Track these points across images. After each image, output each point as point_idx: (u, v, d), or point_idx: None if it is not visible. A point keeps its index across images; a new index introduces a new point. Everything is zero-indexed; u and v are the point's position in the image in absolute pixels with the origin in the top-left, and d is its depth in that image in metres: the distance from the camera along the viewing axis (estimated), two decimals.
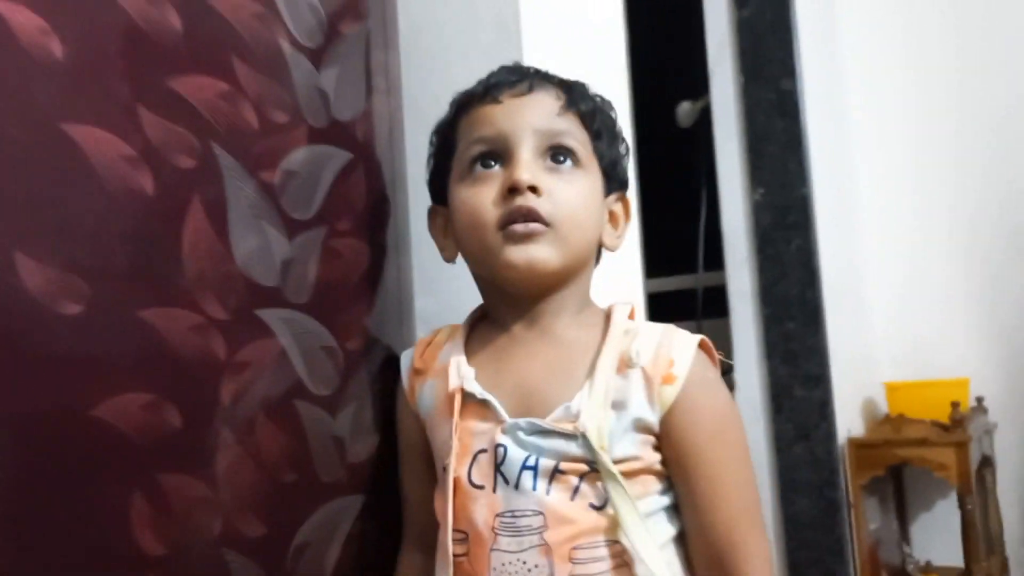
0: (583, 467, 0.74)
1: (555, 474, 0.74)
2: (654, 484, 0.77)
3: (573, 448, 0.75)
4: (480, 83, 0.84)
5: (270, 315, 0.78)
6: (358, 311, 0.88)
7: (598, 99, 0.86)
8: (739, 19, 1.92)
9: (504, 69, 0.85)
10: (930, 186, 2.10)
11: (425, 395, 0.84)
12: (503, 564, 0.74)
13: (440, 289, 1.01)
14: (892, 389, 1.97)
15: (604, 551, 0.74)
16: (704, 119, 1.98)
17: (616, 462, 0.74)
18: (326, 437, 0.82)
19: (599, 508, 0.74)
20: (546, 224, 0.76)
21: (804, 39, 1.88)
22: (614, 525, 0.74)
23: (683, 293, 2.13)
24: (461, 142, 0.82)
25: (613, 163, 0.85)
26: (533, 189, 0.76)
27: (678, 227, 2.11)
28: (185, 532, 0.69)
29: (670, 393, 0.75)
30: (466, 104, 0.84)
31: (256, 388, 0.76)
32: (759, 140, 1.90)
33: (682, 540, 0.78)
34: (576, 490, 0.74)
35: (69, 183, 0.63)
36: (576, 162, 0.80)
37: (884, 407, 1.99)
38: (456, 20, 1.11)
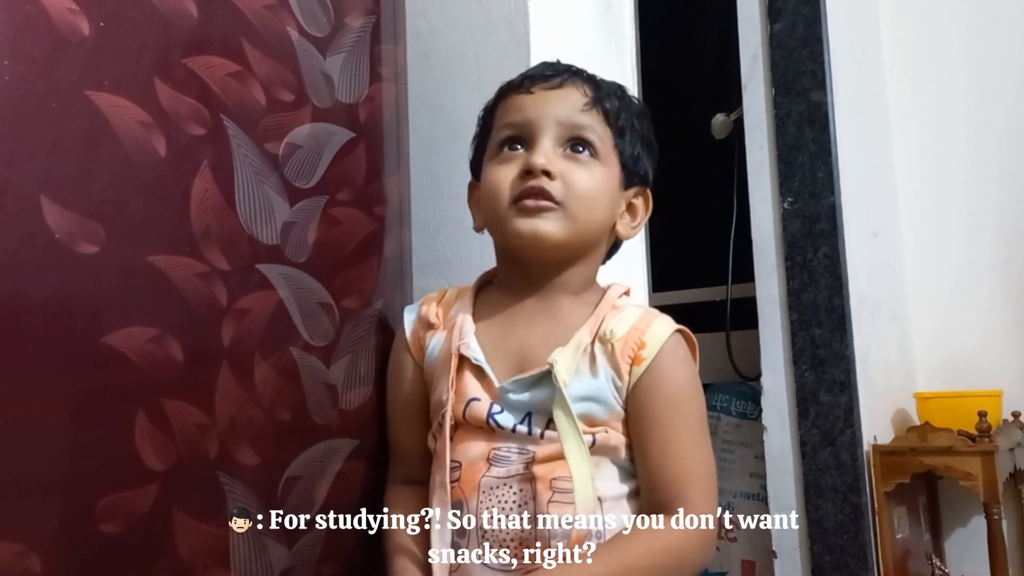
0: None
1: (550, 423, 0.83)
2: (616, 443, 0.85)
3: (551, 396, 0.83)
4: (520, 75, 0.93)
5: (270, 270, 0.87)
6: (355, 274, 0.97)
7: (633, 101, 0.94)
8: (771, 34, 1.97)
9: (543, 65, 0.94)
10: (977, 201, 2.09)
11: (433, 347, 0.92)
12: (492, 488, 0.83)
13: (440, 272, 1.10)
14: (923, 399, 1.96)
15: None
16: (737, 131, 2.03)
17: (581, 417, 0.82)
18: (319, 383, 0.91)
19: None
20: (556, 203, 0.86)
21: (836, 53, 1.91)
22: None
23: (712, 305, 2.16)
24: (495, 126, 0.92)
25: (634, 159, 0.93)
26: (547, 173, 0.85)
27: (713, 239, 2.15)
28: (183, 452, 0.79)
29: (636, 372, 0.84)
30: (505, 93, 0.93)
31: (254, 333, 0.85)
32: (789, 150, 1.93)
33: (633, 497, 0.86)
34: None
35: (90, 140, 0.74)
36: (594, 153, 0.89)
37: (917, 417, 1.98)
38: (469, 20, 1.20)
